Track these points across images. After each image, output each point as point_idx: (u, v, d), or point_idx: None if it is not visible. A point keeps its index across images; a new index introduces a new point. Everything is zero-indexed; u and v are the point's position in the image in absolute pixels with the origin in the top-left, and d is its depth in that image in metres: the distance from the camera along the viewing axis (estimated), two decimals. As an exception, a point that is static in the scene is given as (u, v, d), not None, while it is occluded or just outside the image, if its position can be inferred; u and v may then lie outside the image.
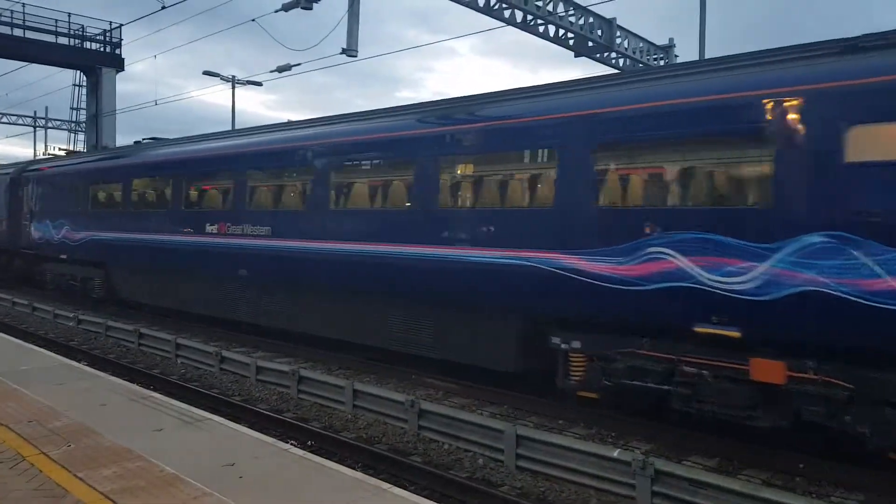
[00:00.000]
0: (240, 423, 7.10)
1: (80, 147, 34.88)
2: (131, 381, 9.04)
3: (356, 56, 16.42)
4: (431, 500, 5.22)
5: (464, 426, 7.39)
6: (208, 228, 12.97)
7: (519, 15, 18.78)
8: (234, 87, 30.18)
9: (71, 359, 10.27)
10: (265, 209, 12.24)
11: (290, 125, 13.08)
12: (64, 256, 18.04)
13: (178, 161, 14.42)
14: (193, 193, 14.13)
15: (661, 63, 23.29)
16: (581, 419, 8.09)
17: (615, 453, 6.26)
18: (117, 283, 16.64)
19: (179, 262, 13.95)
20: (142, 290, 15.86)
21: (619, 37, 21.78)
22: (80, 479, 4.91)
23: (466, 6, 17.72)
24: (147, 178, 15.81)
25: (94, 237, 16.69)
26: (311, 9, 16.18)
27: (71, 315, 15.66)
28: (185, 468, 5.15)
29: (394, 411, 8.14)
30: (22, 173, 21.15)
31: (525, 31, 19.26)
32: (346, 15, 15.86)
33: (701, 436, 7.24)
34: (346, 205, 10.89)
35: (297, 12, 16.27)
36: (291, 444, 6.84)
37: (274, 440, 6.46)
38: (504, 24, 18.62)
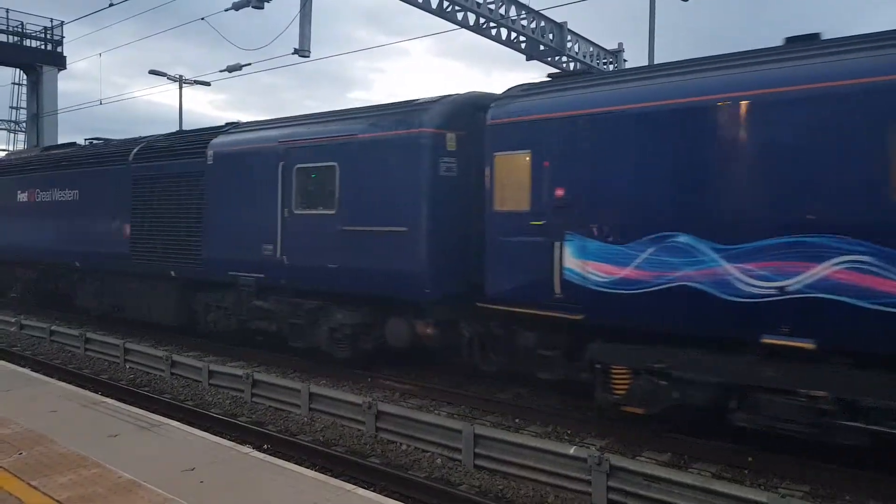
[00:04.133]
0: (196, 428, 6.99)
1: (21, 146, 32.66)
2: (80, 387, 8.77)
3: (308, 56, 16.28)
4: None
5: (421, 426, 7.46)
6: None
7: (472, 18, 18.97)
8: (181, 87, 29.44)
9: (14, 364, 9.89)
10: None
11: None
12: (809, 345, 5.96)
13: None
14: None
15: (611, 67, 23.96)
16: (537, 417, 8.27)
17: (571, 450, 6.41)
18: None
19: None
20: None
21: (569, 41, 22.27)
22: (35, 487, 4.78)
23: (419, 7, 17.80)
24: None
25: None
26: (262, 8, 15.96)
27: (13, 320, 15.04)
28: (143, 474, 5.07)
29: (351, 413, 8.16)
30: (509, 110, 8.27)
31: (478, 33, 19.48)
32: (298, 15, 15.72)
33: (652, 432, 7.50)
34: None
35: (247, 11, 16.03)
36: (249, 447, 6.79)
37: (232, 444, 6.41)
38: (457, 27, 18.79)
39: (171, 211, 12.49)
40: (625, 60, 24.79)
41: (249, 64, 19.27)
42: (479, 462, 6.88)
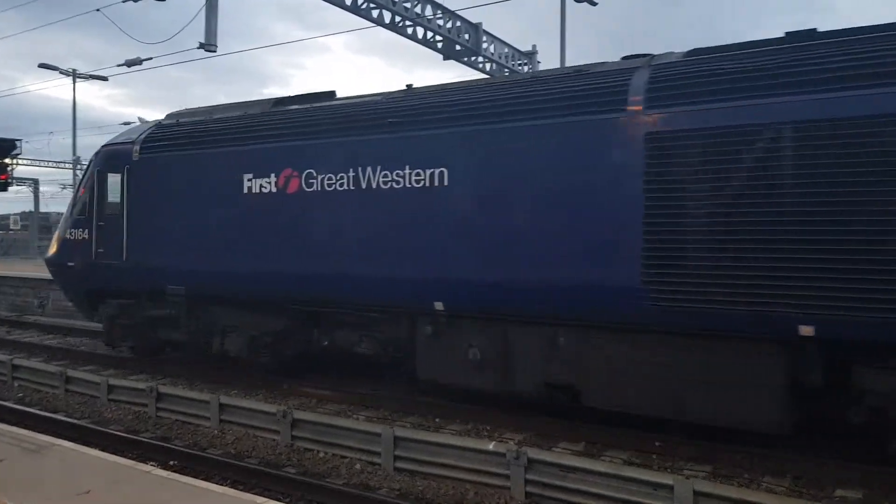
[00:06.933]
0: (92, 448, 6.52)
1: None
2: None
3: (215, 51, 15.65)
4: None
5: (339, 432, 7.27)
6: None
7: (387, 16, 18.79)
8: (74, 82, 27.70)
9: None
10: None
11: None
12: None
13: None
14: None
15: (526, 69, 24.38)
16: (457, 416, 8.23)
17: (490, 446, 6.45)
18: None
19: None
20: None
21: (485, 42, 22.48)
22: None
23: (333, 4, 17.46)
24: None
25: None
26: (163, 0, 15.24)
27: None
28: (31, 501, 4.63)
29: (265, 423, 7.84)
30: None
31: (394, 31, 19.34)
32: (204, 8, 15.08)
33: (567, 423, 7.62)
34: None
35: (149, 3, 15.25)
36: (152, 465, 6.41)
37: (133, 462, 6.05)
38: (372, 25, 18.57)
39: (811, 196, 5.82)
40: (538, 62, 25.31)
41: (151, 58, 18.29)
42: (400, 464, 6.78)
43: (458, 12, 20.71)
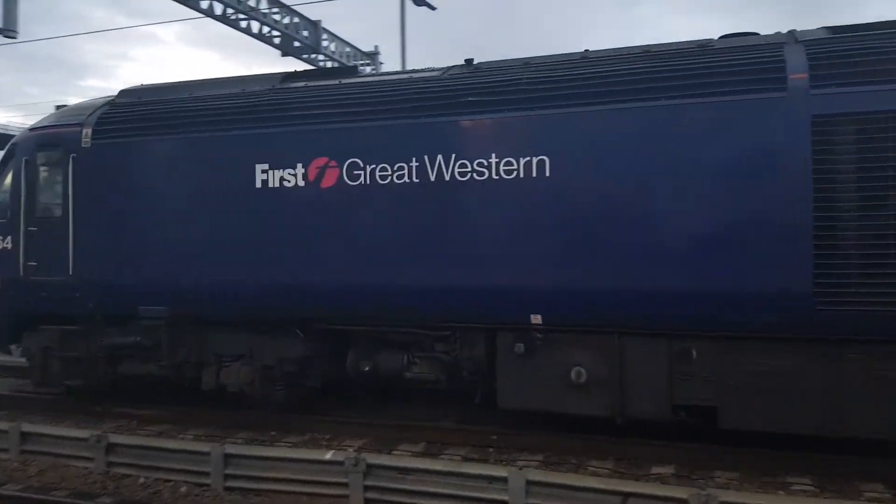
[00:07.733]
0: None
1: None
2: None
3: (16, 37, 13.97)
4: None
5: (162, 454, 6.72)
6: None
7: (218, 7, 17.80)
8: None
9: None
10: None
11: None
12: None
13: None
14: None
15: (368, 68, 24.30)
16: (295, 427, 7.93)
17: (328, 455, 6.28)
18: None
19: None
20: None
21: (325, 39, 22.09)
22: None
23: (157, -9, 16.23)
24: None
25: None
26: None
27: None
28: None
29: (75, 450, 7.04)
30: None
31: (225, 24, 18.39)
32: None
33: (408, 425, 7.64)
34: None
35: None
36: (-75, 513, 5.49)
37: None
38: (201, 16, 17.49)
39: None
40: (381, 63, 25.36)
41: (-67, 41, 15.77)
42: (231, 483, 6.38)
43: (295, 8, 20.15)
